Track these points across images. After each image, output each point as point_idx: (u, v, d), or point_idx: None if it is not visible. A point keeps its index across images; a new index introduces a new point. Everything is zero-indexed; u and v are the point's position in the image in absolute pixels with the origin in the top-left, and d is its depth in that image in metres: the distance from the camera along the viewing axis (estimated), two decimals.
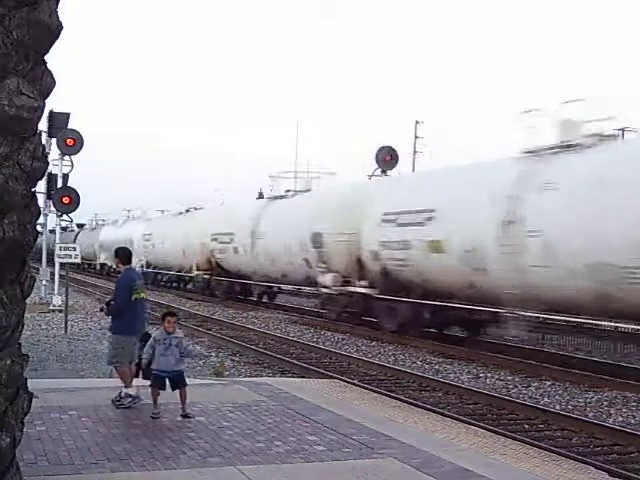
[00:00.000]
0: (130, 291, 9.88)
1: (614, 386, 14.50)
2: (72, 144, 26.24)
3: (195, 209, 44.23)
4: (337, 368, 16.51)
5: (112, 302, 10.18)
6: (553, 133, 18.11)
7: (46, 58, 4.63)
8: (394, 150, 30.60)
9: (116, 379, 10.18)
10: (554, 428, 11.36)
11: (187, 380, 9.40)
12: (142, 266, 42.88)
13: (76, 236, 65.92)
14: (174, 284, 46.17)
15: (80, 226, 73.43)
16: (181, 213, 46.32)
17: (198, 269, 38.32)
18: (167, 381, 9.12)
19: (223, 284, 36.46)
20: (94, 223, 73.97)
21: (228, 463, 7.19)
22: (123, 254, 10.45)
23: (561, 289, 16.44)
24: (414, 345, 20.37)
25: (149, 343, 9.23)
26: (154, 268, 46.82)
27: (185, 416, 8.97)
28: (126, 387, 9.67)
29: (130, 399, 9.56)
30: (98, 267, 62.35)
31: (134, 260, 12.63)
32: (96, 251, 60.94)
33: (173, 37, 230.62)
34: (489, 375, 16.04)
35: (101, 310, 11.21)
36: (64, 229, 47.49)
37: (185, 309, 29.64)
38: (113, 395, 9.71)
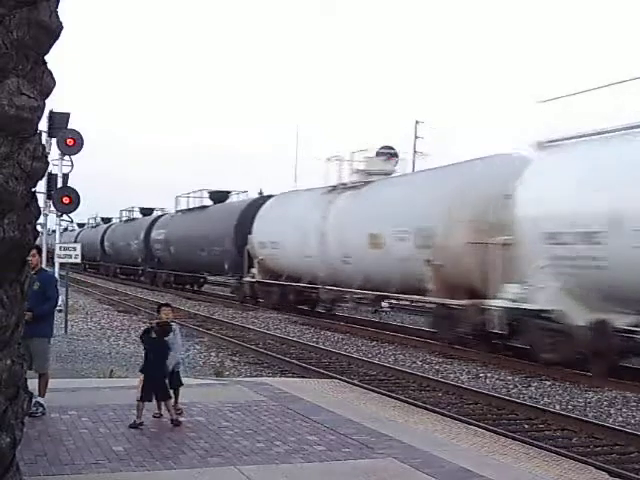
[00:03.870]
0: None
1: (614, 386, 14.50)
2: (72, 144, 26.19)
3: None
4: (337, 368, 16.51)
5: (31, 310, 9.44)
6: None
7: (46, 58, 4.63)
8: (394, 150, 30.58)
9: (117, 379, 10.16)
10: (554, 428, 11.36)
11: (188, 380, 9.36)
12: None
13: (77, 235, 64.72)
14: None
15: (81, 226, 71.68)
16: None
17: None
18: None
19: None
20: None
21: (228, 463, 7.18)
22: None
23: None
24: (414, 345, 20.39)
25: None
26: None
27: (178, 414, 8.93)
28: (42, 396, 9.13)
29: (42, 408, 8.98)
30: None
31: None
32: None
33: (173, 37, 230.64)
34: (489, 375, 16.04)
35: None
36: (65, 229, 46.79)
37: (185, 309, 29.61)
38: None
